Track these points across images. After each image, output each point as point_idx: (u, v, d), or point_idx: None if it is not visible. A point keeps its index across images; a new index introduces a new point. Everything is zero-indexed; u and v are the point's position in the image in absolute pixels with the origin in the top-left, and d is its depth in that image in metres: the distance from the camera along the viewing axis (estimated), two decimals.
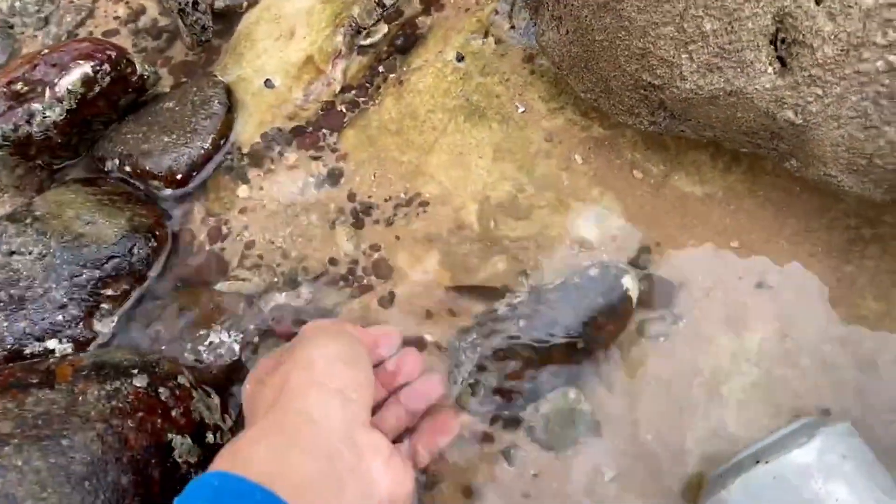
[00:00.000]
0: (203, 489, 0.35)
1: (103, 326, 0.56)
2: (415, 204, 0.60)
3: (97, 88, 0.60)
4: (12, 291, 0.53)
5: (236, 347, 0.55)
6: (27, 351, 0.53)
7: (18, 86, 0.58)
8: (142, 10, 0.73)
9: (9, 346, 0.52)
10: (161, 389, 0.48)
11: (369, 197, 0.61)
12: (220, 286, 0.59)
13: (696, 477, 0.50)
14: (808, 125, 0.46)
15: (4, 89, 0.58)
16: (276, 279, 0.59)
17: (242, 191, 0.62)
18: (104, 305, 0.56)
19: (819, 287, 0.54)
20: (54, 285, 0.54)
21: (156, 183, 0.61)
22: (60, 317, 0.54)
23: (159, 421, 0.46)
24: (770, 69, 0.45)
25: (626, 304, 0.54)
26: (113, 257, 0.56)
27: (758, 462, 0.44)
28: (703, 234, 0.57)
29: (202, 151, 0.62)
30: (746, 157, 0.58)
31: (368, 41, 0.68)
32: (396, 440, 0.46)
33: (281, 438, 0.38)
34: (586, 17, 0.53)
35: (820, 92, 0.44)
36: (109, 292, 0.56)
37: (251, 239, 0.61)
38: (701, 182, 0.58)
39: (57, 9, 0.74)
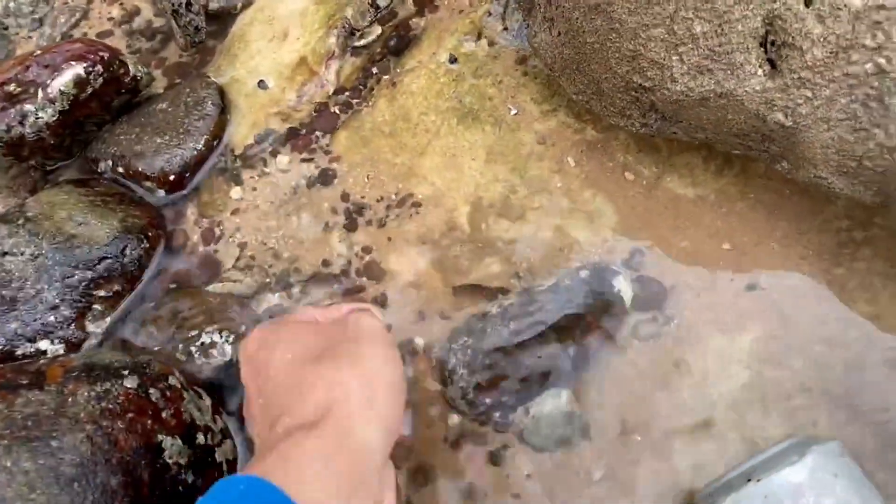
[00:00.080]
0: (231, 490, 0.35)
1: (95, 327, 0.56)
2: (407, 205, 0.60)
3: (89, 89, 0.60)
4: (4, 292, 0.53)
5: (228, 348, 0.55)
6: (19, 352, 0.53)
7: (11, 87, 0.58)
8: (136, 12, 0.73)
9: (0, 348, 0.52)
10: (152, 390, 0.48)
11: (362, 198, 0.61)
12: (213, 287, 0.59)
13: (686, 476, 0.50)
14: (798, 127, 0.46)
15: None
16: (268, 280, 0.59)
17: (235, 192, 0.62)
18: (96, 306, 0.56)
19: (810, 289, 0.54)
20: (46, 286, 0.54)
21: (149, 184, 0.62)
22: (52, 318, 0.54)
23: (149, 422, 0.46)
24: (760, 71, 0.46)
25: (618, 305, 0.54)
26: (105, 258, 0.56)
27: (749, 480, 0.44)
28: (694, 236, 0.57)
29: (195, 153, 0.62)
30: (738, 160, 0.58)
31: (362, 42, 0.68)
32: None
33: (339, 467, 0.38)
34: (577, 18, 0.53)
35: (809, 94, 0.44)
36: (101, 293, 0.56)
37: (244, 240, 0.61)
38: (693, 184, 0.58)
39: (51, 10, 0.74)
